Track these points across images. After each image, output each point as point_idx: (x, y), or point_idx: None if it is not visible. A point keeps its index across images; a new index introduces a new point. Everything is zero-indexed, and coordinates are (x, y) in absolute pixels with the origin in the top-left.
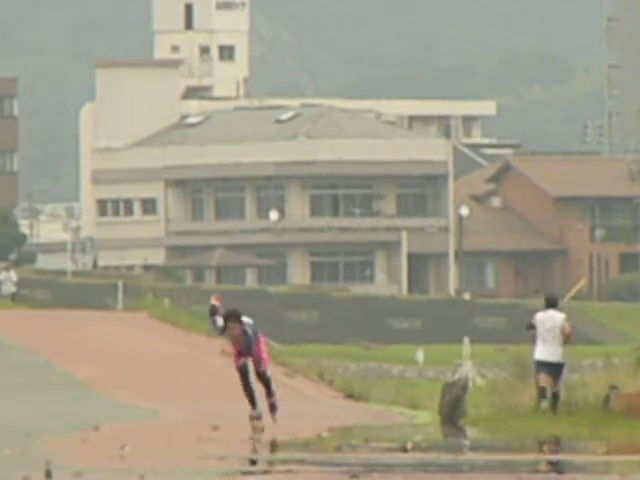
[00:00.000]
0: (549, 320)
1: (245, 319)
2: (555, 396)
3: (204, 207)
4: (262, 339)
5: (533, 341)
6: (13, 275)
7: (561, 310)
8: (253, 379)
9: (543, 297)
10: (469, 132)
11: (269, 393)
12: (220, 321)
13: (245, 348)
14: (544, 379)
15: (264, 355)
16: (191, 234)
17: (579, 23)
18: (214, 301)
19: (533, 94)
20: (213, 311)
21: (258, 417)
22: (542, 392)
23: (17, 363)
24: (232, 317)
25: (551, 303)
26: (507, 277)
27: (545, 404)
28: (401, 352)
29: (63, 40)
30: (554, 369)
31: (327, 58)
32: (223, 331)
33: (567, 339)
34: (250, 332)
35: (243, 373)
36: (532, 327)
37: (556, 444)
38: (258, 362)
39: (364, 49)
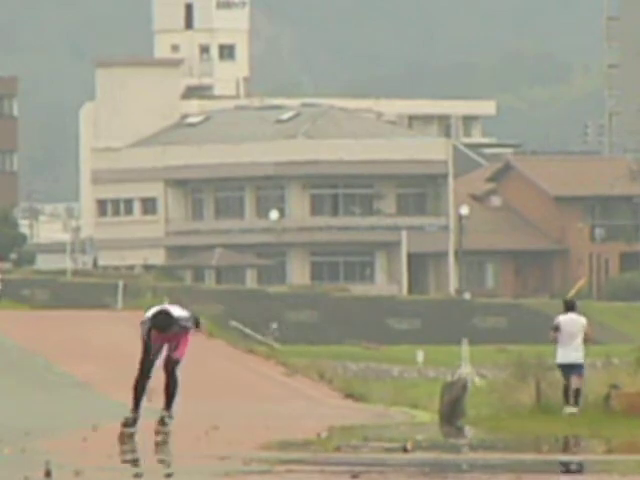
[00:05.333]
0: (571, 323)
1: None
2: (577, 392)
3: (204, 207)
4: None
5: (555, 342)
6: None
7: (580, 313)
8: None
9: (562, 302)
10: (469, 131)
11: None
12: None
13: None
14: (570, 382)
15: None
16: (191, 234)
17: (579, 22)
18: None
19: (533, 94)
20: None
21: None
22: (567, 395)
23: (17, 363)
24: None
25: (570, 307)
26: (507, 277)
27: (570, 409)
28: (401, 352)
29: (63, 40)
30: (576, 369)
31: (327, 58)
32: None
33: (588, 341)
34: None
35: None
36: (556, 329)
37: (556, 444)
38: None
39: (364, 48)
